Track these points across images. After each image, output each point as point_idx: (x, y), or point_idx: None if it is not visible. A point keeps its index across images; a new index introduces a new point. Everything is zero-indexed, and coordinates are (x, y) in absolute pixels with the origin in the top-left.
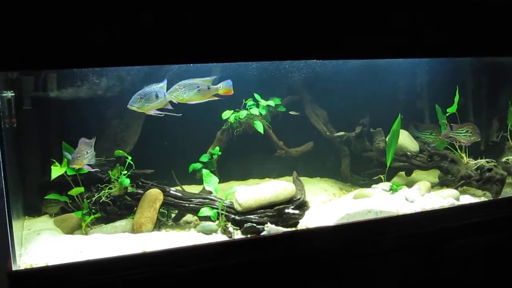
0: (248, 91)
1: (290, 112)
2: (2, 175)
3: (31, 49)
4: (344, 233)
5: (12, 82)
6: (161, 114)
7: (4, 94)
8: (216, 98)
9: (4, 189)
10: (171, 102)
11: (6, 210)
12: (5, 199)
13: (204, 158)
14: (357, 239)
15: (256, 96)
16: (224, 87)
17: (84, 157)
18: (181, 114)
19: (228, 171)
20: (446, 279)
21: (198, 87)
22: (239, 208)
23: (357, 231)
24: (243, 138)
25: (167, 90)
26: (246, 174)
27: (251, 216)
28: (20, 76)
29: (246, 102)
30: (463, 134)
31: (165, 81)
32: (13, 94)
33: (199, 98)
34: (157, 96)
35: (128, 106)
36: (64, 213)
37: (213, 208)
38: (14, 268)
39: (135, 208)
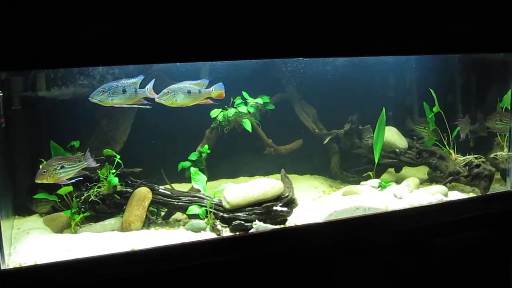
0: (237, 90)
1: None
2: None
3: (22, 49)
4: (332, 230)
5: (0, 82)
6: (128, 106)
7: None
8: (209, 102)
9: None
10: (147, 98)
11: None
12: None
13: (193, 156)
14: (345, 236)
15: (244, 94)
16: (217, 90)
17: (55, 172)
18: (150, 106)
19: (217, 169)
20: (434, 275)
21: (189, 90)
22: (227, 206)
23: (345, 228)
24: (232, 136)
25: (143, 87)
26: (236, 172)
27: (240, 214)
28: (9, 76)
29: (234, 100)
30: (497, 123)
31: (140, 77)
32: (1, 94)
33: (189, 101)
34: (124, 91)
35: (89, 98)
36: (55, 212)
37: (201, 206)
38: (2, 267)
39: (124, 207)
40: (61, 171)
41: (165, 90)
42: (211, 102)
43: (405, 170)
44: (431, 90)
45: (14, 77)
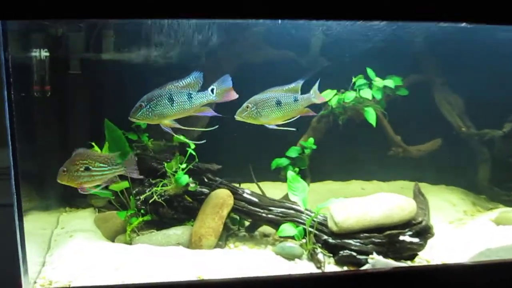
0: (351, 66)
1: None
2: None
3: None
4: (483, 276)
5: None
6: (178, 126)
7: (34, 54)
8: (313, 114)
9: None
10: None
11: (15, 209)
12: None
13: (293, 152)
14: (501, 284)
15: (369, 72)
16: (316, 92)
17: (77, 174)
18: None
19: (318, 168)
20: None
21: (278, 101)
22: (334, 228)
23: (502, 275)
24: (343, 127)
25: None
26: (346, 174)
27: (351, 241)
28: (61, 31)
29: (355, 80)
30: None
31: (196, 74)
32: (47, 55)
33: (283, 116)
34: (172, 101)
35: (129, 117)
36: (112, 207)
37: (298, 224)
38: (24, 286)
39: (197, 212)
40: (84, 174)
41: (244, 105)
42: (314, 113)
43: None
44: None
45: (69, 33)
